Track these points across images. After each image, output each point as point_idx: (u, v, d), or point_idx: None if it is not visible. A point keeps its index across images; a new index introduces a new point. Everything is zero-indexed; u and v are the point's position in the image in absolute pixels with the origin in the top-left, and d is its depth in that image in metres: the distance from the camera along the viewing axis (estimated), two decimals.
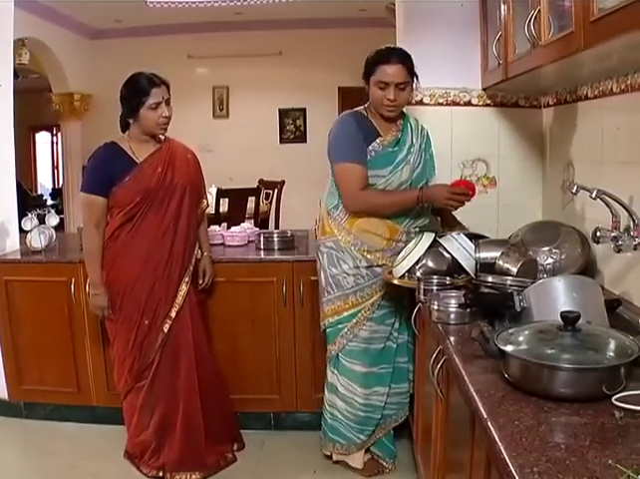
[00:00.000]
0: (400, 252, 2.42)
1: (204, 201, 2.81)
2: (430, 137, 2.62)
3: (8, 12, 3.24)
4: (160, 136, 2.60)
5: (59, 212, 5.96)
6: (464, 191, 2.35)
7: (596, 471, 0.98)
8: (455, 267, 2.28)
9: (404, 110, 2.56)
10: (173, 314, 2.60)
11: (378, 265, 2.49)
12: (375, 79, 2.39)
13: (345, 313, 2.53)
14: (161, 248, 2.57)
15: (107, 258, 2.58)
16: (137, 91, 2.48)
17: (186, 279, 2.64)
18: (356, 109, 2.55)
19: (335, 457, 2.70)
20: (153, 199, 2.53)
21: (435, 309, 1.89)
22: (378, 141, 2.46)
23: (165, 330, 2.58)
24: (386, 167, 2.45)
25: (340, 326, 2.55)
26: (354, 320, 2.53)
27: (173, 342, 2.61)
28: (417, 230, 2.53)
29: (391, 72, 2.36)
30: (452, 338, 1.72)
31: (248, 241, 3.33)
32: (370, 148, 2.44)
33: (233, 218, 4.94)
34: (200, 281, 2.80)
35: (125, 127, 2.58)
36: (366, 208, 2.45)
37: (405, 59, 2.39)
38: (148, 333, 2.57)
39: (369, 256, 2.48)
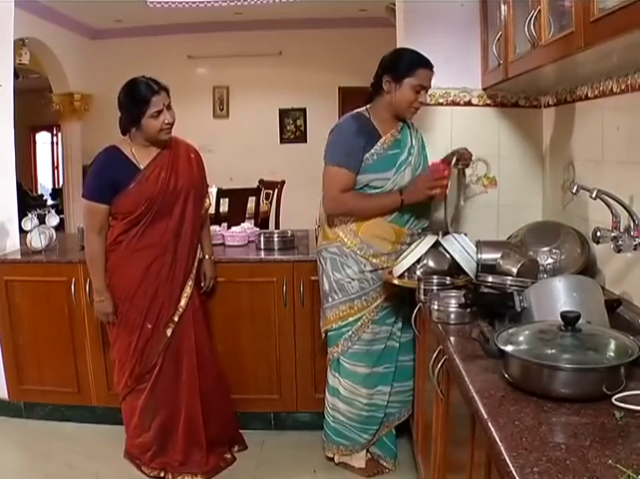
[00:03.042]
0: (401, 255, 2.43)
1: (207, 200, 2.78)
2: (424, 140, 2.64)
3: (8, 12, 3.24)
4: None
5: (59, 212, 5.97)
6: (437, 169, 2.42)
7: (596, 471, 0.98)
8: (455, 267, 2.28)
9: None
10: (177, 319, 2.59)
11: (382, 269, 2.49)
12: (414, 82, 2.40)
13: (350, 318, 2.52)
14: (166, 254, 2.55)
15: (110, 263, 2.57)
16: (136, 100, 2.42)
17: (190, 283, 2.63)
18: (358, 110, 2.54)
19: (337, 459, 2.70)
20: (157, 206, 2.51)
21: (435, 309, 1.89)
22: (379, 143, 2.45)
23: (168, 334, 2.58)
24: (389, 169, 2.45)
25: (344, 330, 2.54)
26: (359, 323, 2.52)
27: (176, 346, 2.60)
28: (419, 231, 2.54)
29: (429, 77, 2.43)
30: (452, 338, 1.71)
31: (248, 241, 3.33)
32: (372, 151, 2.43)
33: (233, 218, 4.94)
34: (202, 284, 2.79)
35: (125, 130, 2.55)
36: (344, 210, 2.47)
37: None
38: (150, 337, 2.56)
39: (374, 261, 2.48)
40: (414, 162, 2.51)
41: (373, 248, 2.47)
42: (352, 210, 2.46)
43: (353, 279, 2.49)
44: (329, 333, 2.60)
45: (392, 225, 2.48)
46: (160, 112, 2.43)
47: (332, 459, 2.72)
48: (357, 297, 2.51)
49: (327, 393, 2.69)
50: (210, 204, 2.87)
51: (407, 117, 2.51)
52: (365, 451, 2.67)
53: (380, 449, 2.70)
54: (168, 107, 2.48)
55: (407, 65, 2.40)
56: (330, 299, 2.55)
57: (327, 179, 2.47)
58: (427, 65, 2.41)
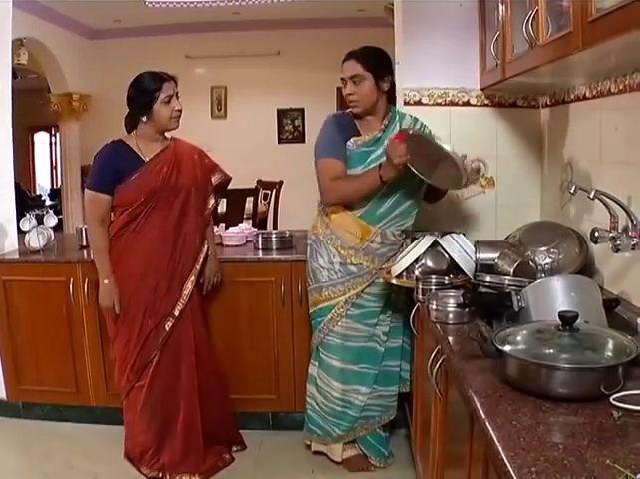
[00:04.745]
0: (372, 254, 2.49)
1: (211, 200, 2.76)
2: (430, 130, 2.61)
3: (7, 12, 3.24)
4: (168, 134, 2.61)
5: (57, 212, 5.94)
6: (392, 142, 2.35)
7: (594, 471, 0.98)
8: (454, 267, 2.28)
9: (399, 110, 2.61)
10: (177, 313, 2.59)
11: (352, 264, 2.52)
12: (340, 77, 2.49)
13: (320, 305, 2.59)
14: (165, 248, 2.56)
15: (110, 257, 2.58)
16: (148, 87, 2.49)
17: (192, 279, 2.63)
18: (343, 110, 2.60)
19: (314, 447, 2.74)
20: (157, 199, 2.53)
21: (433, 309, 1.89)
22: (352, 140, 2.50)
23: (167, 328, 2.58)
24: (358, 165, 2.48)
25: (319, 320, 2.60)
26: (329, 316, 2.57)
27: (175, 343, 2.60)
28: (397, 232, 2.54)
29: (344, 67, 2.47)
30: (450, 338, 1.72)
31: (247, 242, 3.33)
32: (346, 147, 2.49)
33: (232, 218, 4.93)
34: (203, 281, 2.75)
35: (131, 127, 2.58)
36: (339, 197, 2.51)
37: (359, 55, 2.46)
38: (149, 332, 2.56)
39: (342, 253, 2.52)
40: None
41: (340, 240, 2.52)
42: (344, 194, 2.49)
43: (323, 269, 2.57)
44: (312, 322, 2.67)
45: (359, 220, 2.50)
46: (171, 97, 2.50)
47: (310, 447, 2.76)
48: (325, 287, 2.57)
49: (307, 381, 2.73)
50: (217, 203, 2.82)
51: (354, 111, 2.50)
52: (340, 446, 2.68)
53: (366, 448, 2.71)
54: (177, 96, 2.54)
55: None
56: (309, 284, 2.65)
57: (319, 172, 2.52)
58: (343, 60, 2.48)
